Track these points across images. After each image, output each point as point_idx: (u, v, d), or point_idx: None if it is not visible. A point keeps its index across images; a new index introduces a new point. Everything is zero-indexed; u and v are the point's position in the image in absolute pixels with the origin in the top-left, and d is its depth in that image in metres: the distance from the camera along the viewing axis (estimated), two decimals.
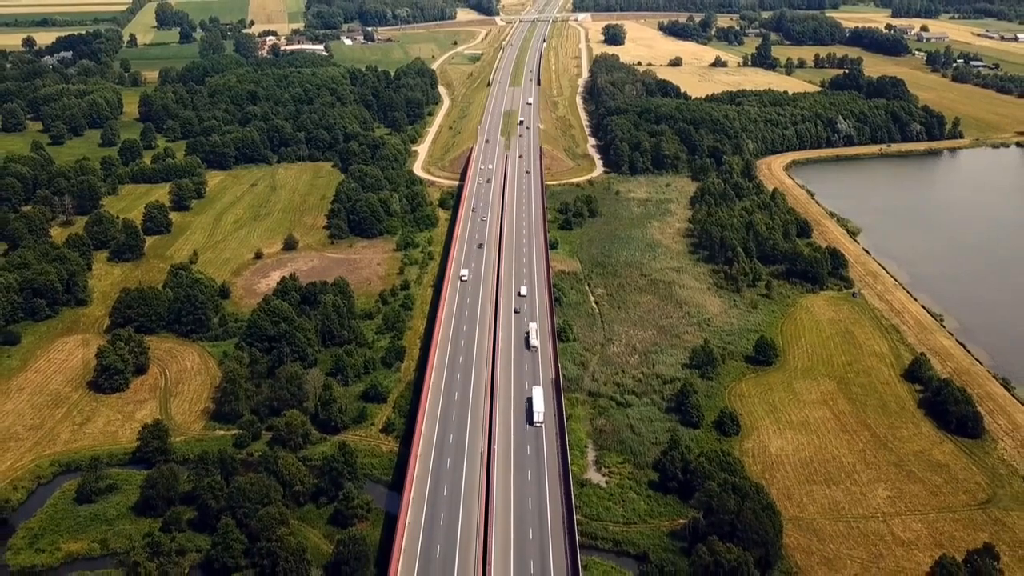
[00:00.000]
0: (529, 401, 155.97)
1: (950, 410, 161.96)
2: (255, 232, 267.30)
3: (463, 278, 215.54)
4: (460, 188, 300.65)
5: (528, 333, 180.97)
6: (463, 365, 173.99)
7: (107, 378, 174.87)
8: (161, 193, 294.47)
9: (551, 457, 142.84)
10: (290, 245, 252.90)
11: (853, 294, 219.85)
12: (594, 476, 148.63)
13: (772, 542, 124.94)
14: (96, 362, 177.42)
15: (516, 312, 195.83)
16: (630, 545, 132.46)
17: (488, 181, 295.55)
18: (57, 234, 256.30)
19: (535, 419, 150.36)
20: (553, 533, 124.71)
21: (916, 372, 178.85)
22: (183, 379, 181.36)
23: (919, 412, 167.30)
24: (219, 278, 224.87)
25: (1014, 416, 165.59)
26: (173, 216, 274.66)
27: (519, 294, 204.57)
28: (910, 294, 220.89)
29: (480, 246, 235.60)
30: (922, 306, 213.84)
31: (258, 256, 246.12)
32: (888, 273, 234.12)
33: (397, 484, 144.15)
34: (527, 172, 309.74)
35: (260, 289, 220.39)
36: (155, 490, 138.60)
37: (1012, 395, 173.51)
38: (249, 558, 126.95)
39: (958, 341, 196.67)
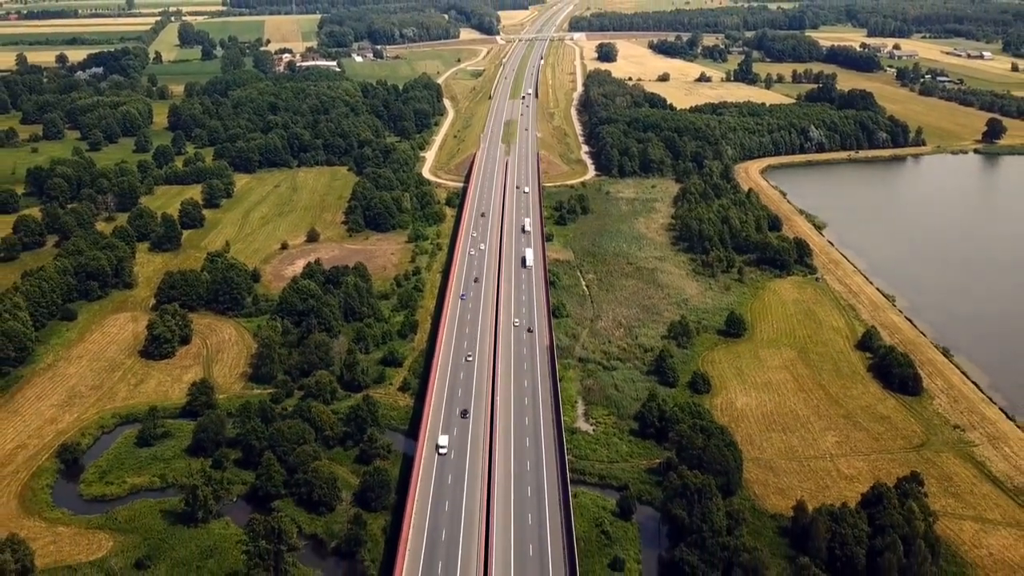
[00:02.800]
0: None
1: (894, 372, 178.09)
2: (280, 227, 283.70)
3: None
4: (464, 189, 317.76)
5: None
6: (469, 335, 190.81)
7: (157, 347, 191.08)
8: (193, 193, 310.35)
9: (546, 411, 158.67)
10: (312, 237, 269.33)
11: (816, 279, 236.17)
12: (583, 425, 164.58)
13: (733, 472, 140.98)
14: (146, 333, 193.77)
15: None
16: (613, 479, 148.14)
17: (483, 216, 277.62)
18: (101, 228, 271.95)
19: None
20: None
21: (867, 342, 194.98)
22: (222, 348, 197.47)
23: (868, 375, 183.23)
24: (250, 264, 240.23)
25: (950, 378, 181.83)
26: (205, 212, 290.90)
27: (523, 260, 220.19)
28: (867, 279, 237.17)
29: (481, 247, 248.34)
30: (877, 288, 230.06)
31: (284, 247, 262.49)
32: (848, 261, 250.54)
33: (413, 432, 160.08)
34: (525, 174, 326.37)
35: (287, 274, 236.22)
36: (205, 433, 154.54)
37: (951, 361, 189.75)
38: (288, 488, 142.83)
39: (907, 317, 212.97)
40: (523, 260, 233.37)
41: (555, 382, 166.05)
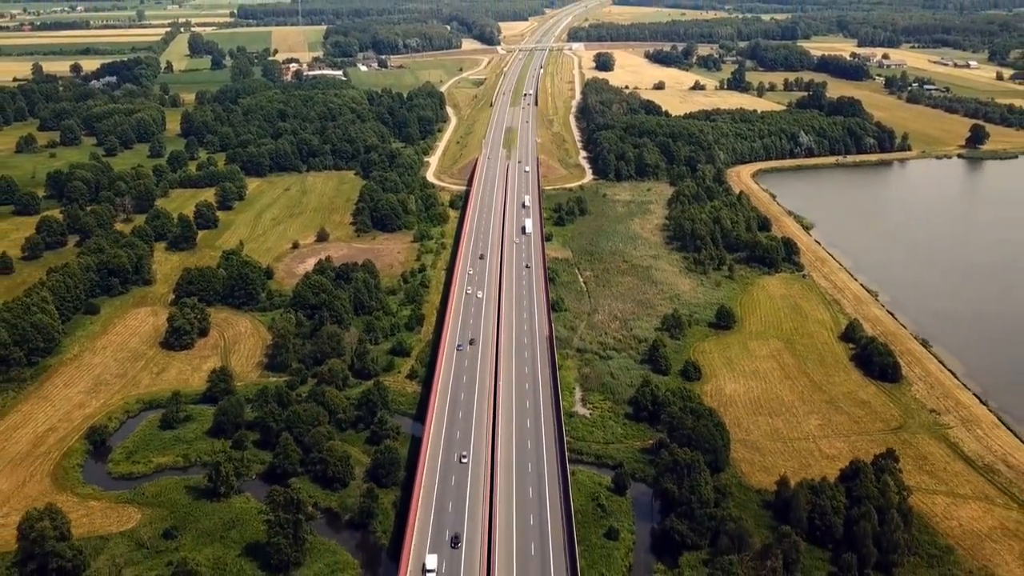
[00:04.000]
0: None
1: (875, 361, 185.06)
2: (291, 227, 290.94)
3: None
4: (467, 192, 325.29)
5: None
6: (472, 326, 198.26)
7: (177, 338, 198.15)
8: (207, 195, 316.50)
9: (546, 397, 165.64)
10: (322, 237, 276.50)
11: (803, 275, 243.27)
12: (580, 410, 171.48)
13: (721, 450, 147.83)
14: (167, 325, 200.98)
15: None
16: (608, 458, 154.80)
17: (482, 258, 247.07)
18: (120, 228, 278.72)
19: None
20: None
21: (850, 334, 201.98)
22: (239, 340, 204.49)
23: (850, 364, 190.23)
24: (263, 262, 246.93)
25: (928, 366, 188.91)
26: (219, 214, 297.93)
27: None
28: (852, 275, 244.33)
29: (482, 256, 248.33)
30: (861, 285, 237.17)
31: (295, 246, 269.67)
32: (834, 259, 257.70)
33: (420, 416, 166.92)
34: (525, 177, 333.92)
35: (299, 271, 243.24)
36: (226, 416, 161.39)
37: (929, 351, 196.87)
38: (304, 466, 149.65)
39: (889, 311, 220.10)
40: (523, 228, 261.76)
41: (554, 370, 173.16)
